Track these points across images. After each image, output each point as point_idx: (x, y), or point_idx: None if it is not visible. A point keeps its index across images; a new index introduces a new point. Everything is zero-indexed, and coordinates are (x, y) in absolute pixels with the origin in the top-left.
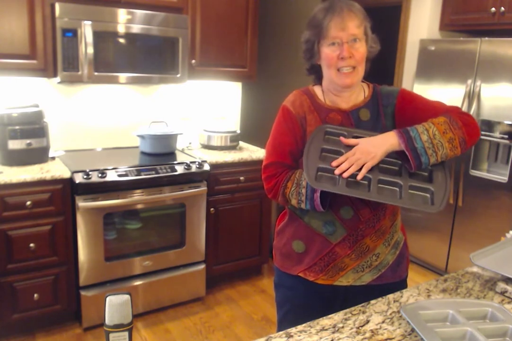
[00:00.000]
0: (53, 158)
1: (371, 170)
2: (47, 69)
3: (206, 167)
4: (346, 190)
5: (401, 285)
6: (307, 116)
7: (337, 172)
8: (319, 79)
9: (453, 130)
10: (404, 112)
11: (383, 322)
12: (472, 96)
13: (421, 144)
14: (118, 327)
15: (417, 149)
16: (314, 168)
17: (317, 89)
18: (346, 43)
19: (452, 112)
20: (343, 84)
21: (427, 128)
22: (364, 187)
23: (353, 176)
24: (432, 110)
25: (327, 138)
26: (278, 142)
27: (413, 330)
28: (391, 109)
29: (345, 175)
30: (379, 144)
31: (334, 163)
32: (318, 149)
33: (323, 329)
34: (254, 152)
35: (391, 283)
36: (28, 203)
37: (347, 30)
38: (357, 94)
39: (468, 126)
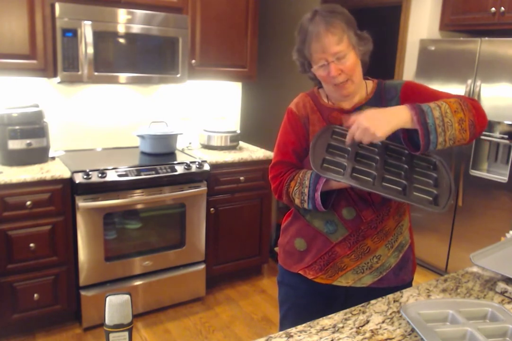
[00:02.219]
0: (53, 158)
1: (376, 168)
2: (47, 69)
3: (206, 167)
4: (351, 181)
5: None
6: (310, 116)
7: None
8: (321, 84)
9: (464, 111)
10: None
11: (383, 322)
12: (472, 96)
13: (432, 121)
14: (118, 327)
15: (428, 126)
16: (320, 158)
17: (321, 91)
18: (332, 62)
19: (461, 96)
20: (341, 95)
21: (439, 104)
22: (368, 182)
23: (358, 171)
24: (438, 99)
25: (334, 137)
26: (282, 142)
27: (413, 330)
28: (395, 102)
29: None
30: (387, 120)
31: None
32: (324, 144)
33: (323, 329)
34: (254, 152)
35: (394, 287)
36: (28, 203)
37: (327, 51)
38: (359, 93)
39: (477, 110)
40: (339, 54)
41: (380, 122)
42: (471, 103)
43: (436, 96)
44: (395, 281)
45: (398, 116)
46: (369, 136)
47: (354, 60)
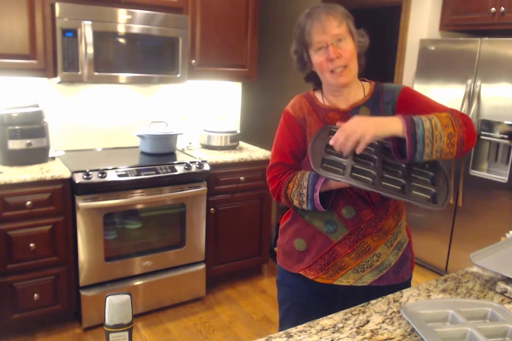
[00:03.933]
0: (53, 158)
1: (375, 167)
2: (47, 69)
3: (206, 167)
4: (351, 180)
5: (404, 287)
6: (307, 118)
7: (336, 148)
8: (318, 85)
9: (454, 126)
10: (404, 109)
11: (383, 322)
12: (472, 96)
13: (421, 132)
14: (118, 327)
15: (416, 135)
16: (319, 158)
17: (317, 93)
18: (331, 44)
19: (453, 111)
20: (338, 84)
21: (430, 118)
22: (368, 182)
23: (358, 171)
24: (431, 109)
25: (331, 138)
26: (279, 144)
27: (413, 330)
28: (391, 105)
29: (346, 150)
30: (381, 125)
31: (331, 142)
32: (323, 144)
33: (323, 329)
34: (254, 152)
35: (394, 285)
36: (28, 203)
37: (328, 32)
38: (355, 93)
39: (467, 127)
40: (339, 36)
41: (370, 127)
42: (462, 119)
43: (430, 105)
44: (395, 279)
45: (390, 124)
46: (353, 140)
47: (352, 46)
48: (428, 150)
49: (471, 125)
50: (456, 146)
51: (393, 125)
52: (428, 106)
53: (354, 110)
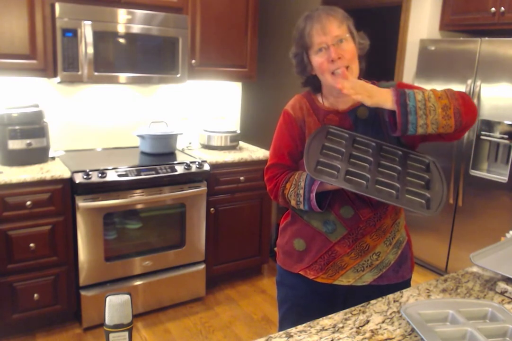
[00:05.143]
0: (53, 158)
1: (370, 170)
2: (47, 69)
3: (206, 167)
4: (345, 184)
5: (404, 286)
6: (306, 119)
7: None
8: (317, 89)
9: (449, 98)
10: None
11: (383, 322)
12: (472, 96)
13: (413, 103)
14: (118, 327)
15: (407, 106)
16: (314, 160)
17: (317, 93)
18: (332, 45)
19: (449, 89)
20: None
21: (423, 91)
22: (362, 185)
23: (352, 174)
24: None
25: (329, 138)
26: (278, 145)
27: (413, 330)
28: None
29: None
30: (373, 95)
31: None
32: (319, 146)
33: (323, 329)
34: (254, 152)
35: (394, 284)
36: (28, 203)
37: (329, 33)
38: None
39: (464, 100)
40: (339, 37)
41: (365, 93)
42: (458, 94)
43: None
44: (395, 278)
45: (381, 95)
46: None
47: (353, 48)
48: (421, 121)
49: (469, 99)
50: (454, 118)
51: (383, 96)
52: None
53: (352, 111)
